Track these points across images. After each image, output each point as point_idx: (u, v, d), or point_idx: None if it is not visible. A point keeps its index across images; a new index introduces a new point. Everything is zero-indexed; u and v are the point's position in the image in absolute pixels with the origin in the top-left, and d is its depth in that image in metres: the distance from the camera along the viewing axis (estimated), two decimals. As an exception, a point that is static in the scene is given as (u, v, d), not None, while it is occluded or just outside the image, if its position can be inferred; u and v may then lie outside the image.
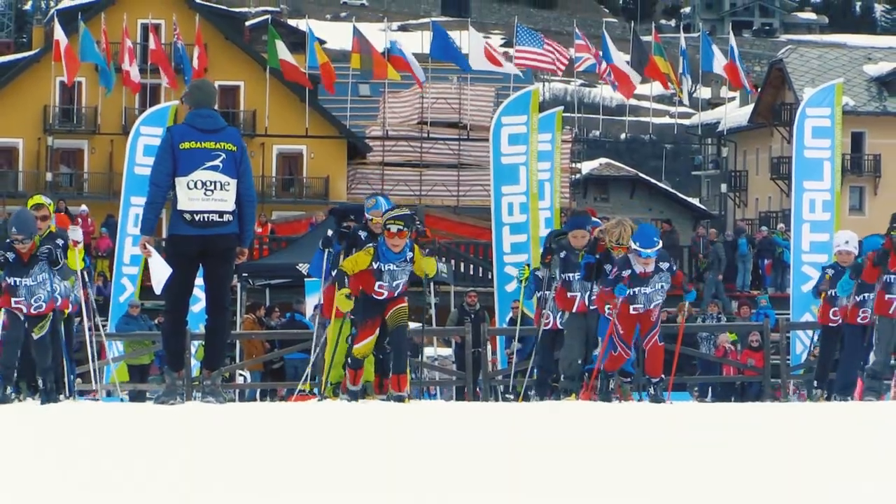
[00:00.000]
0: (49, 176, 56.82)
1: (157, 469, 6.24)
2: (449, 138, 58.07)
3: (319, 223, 40.73)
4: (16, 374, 15.69)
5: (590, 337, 16.57)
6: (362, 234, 15.41)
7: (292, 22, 79.61)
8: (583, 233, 16.61)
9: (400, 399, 14.01)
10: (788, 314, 26.16)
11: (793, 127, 28.34)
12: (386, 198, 16.16)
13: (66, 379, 16.53)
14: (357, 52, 52.01)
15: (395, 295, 14.17)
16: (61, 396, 15.63)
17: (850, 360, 17.95)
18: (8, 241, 14.67)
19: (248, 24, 68.42)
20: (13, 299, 14.66)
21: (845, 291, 18.37)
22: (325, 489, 5.36)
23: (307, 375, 19.57)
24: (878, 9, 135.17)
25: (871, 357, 16.86)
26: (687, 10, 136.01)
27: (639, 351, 16.64)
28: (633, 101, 64.61)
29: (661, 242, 15.44)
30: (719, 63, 55.58)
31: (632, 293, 15.11)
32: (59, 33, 52.20)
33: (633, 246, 15.02)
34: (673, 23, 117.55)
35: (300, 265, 34.54)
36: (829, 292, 18.28)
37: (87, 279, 18.06)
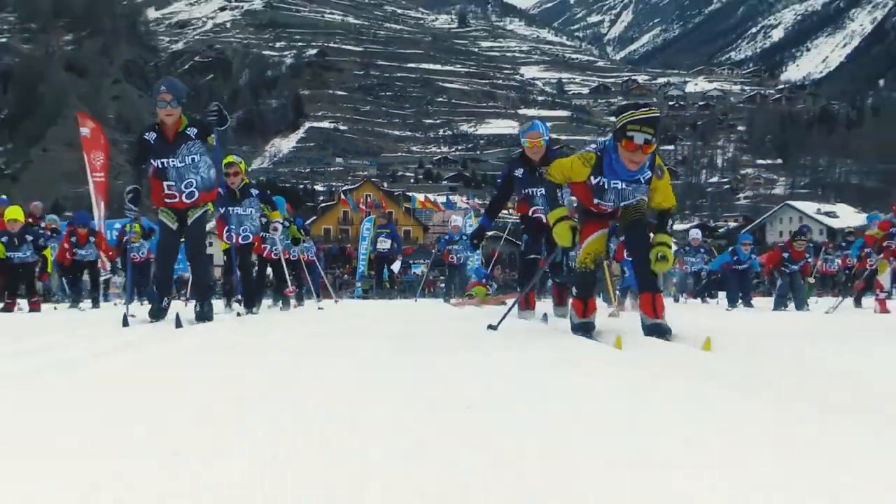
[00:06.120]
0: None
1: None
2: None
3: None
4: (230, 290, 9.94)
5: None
6: (518, 171, 7.66)
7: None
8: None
9: (662, 331, 4.88)
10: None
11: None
12: (543, 123, 7.88)
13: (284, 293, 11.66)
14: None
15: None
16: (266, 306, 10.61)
17: None
18: (151, 121, 7.18)
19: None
20: (165, 183, 7.06)
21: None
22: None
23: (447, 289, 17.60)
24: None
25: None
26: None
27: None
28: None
29: None
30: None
31: None
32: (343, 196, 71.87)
33: None
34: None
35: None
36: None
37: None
